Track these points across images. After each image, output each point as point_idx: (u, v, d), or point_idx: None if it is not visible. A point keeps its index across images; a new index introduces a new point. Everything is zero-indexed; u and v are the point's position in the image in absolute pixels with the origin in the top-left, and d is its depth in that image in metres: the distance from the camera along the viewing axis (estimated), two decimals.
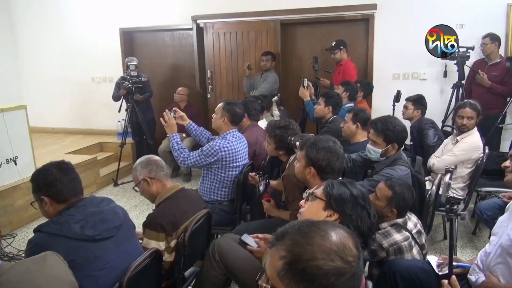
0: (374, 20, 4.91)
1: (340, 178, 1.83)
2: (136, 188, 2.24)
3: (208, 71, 5.60)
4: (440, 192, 2.76)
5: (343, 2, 4.90)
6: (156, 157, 2.29)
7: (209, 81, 5.63)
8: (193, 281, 2.25)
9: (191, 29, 5.62)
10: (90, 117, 6.47)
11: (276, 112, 3.84)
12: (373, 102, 4.92)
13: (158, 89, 5.85)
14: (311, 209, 1.48)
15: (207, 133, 3.25)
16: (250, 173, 2.81)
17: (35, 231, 1.63)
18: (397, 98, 4.30)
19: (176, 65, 6.07)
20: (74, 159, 4.24)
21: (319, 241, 0.87)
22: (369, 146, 2.59)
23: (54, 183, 1.69)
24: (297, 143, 2.39)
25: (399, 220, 2.09)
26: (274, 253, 0.90)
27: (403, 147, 2.63)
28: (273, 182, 2.84)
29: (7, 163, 3.86)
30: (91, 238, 1.61)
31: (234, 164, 2.90)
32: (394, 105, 4.29)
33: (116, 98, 5.18)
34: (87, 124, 6.47)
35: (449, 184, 1.74)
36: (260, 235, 1.98)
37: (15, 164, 3.94)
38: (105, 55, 6.12)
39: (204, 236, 2.31)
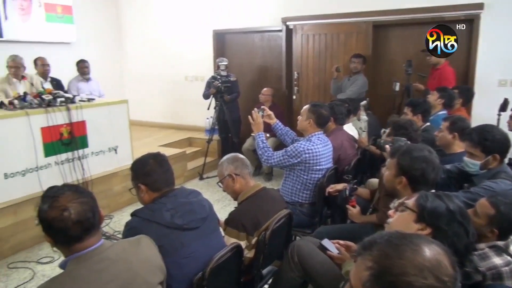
0: (480, 21, 4.50)
1: (434, 191, 1.70)
2: (220, 184, 2.32)
3: (295, 72, 5.62)
4: None
5: (443, 2, 4.57)
6: (242, 156, 2.35)
7: (295, 82, 5.65)
8: (270, 280, 2.27)
9: (280, 30, 5.69)
10: (182, 114, 6.90)
11: (364, 117, 3.71)
12: (474, 110, 4.49)
13: (245, 89, 6.00)
14: (401, 220, 1.40)
15: (292, 134, 3.25)
16: (331, 185, 2.76)
17: (131, 215, 1.77)
18: (503, 107, 3.87)
19: (264, 66, 6.19)
20: (166, 152, 4.50)
21: (410, 256, 0.82)
22: (466, 159, 2.37)
23: (150, 173, 1.81)
24: (387, 146, 2.28)
25: (500, 243, 1.87)
26: (360, 262, 0.87)
27: (508, 161, 2.37)
28: (359, 189, 2.75)
29: (109, 151, 4.28)
30: (179, 227, 1.71)
31: (318, 167, 2.86)
32: (499, 115, 3.87)
33: (206, 96, 5.44)
34: (179, 120, 6.92)
35: None
36: (341, 242, 1.93)
37: (116, 152, 4.35)
38: (199, 56, 6.48)
39: (283, 236, 2.32)
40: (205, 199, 1.96)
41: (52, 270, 3.14)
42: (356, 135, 3.68)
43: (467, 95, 4.08)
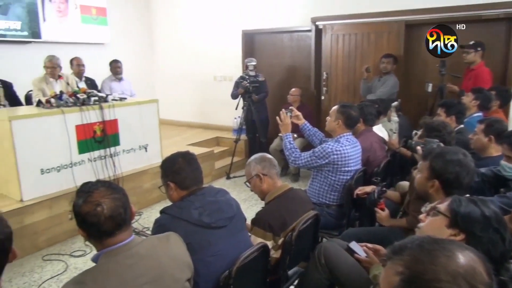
0: None
1: (468, 195, 1.64)
2: (248, 183, 2.33)
3: (324, 72, 5.56)
4: None
5: (481, 0, 4.40)
6: (270, 156, 2.35)
7: (324, 82, 5.59)
8: (296, 281, 2.26)
9: (309, 30, 5.65)
10: (210, 113, 6.97)
11: (394, 118, 3.63)
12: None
13: (274, 89, 5.99)
14: (433, 224, 1.36)
15: (320, 135, 3.22)
16: (359, 187, 2.71)
17: (161, 212, 1.80)
18: None
19: (293, 66, 6.16)
20: (194, 151, 4.53)
21: (443, 261, 0.79)
22: (503, 163, 2.28)
23: (179, 171, 1.84)
24: (419, 148, 2.22)
25: None
26: (390, 267, 0.85)
27: None
28: (388, 192, 2.69)
29: (139, 149, 4.38)
30: (207, 225, 1.73)
31: (346, 169, 2.82)
32: None
33: (234, 96, 5.48)
34: (207, 119, 6.99)
35: None
36: (369, 245, 1.90)
37: (146, 151, 4.45)
38: (227, 56, 6.53)
39: (310, 237, 2.30)
40: (232, 198, 1.97)
41: (84, 263, 3.25)
42: (386, 137, 3.61)
43: (505, 97, 3.91)
